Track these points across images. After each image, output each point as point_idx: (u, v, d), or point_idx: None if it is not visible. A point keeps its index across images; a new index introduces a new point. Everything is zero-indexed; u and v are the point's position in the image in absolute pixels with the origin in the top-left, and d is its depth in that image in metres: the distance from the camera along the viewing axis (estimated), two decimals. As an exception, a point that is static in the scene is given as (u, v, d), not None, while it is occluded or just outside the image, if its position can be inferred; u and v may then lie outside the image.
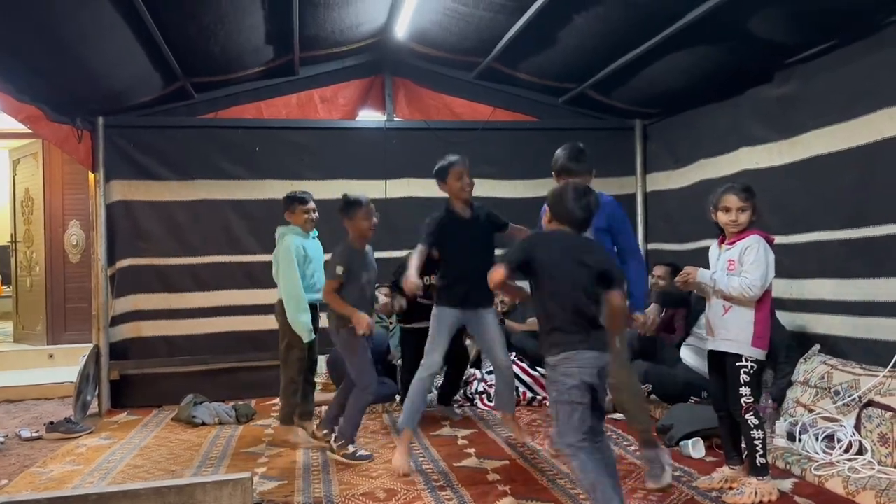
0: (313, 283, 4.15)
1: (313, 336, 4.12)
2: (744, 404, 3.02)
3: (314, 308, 4.21)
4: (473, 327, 3.90)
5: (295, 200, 4.17)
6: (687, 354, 4.39)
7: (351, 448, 3.76)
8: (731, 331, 3.07)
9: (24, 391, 5.99)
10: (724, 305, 3.09)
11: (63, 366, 6.67)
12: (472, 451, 3.90)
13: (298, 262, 4.05)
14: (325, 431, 3.99)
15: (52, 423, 4.62)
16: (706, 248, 3.37)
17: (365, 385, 3.80)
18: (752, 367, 3.03)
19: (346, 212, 3.84)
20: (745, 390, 3.02)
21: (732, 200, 3.08)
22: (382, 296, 5.00)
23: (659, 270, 5.13)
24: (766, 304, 3.07)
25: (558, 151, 3.42)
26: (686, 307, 5.06)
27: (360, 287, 3.83)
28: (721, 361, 3.13)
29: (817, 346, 3.94)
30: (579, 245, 2.63)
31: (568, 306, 2.55)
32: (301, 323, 4.03)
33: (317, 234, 4.33)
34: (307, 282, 4.10)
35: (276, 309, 4.17)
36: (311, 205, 4.20)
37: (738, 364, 3.04)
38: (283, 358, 4.15)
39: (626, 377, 3.30)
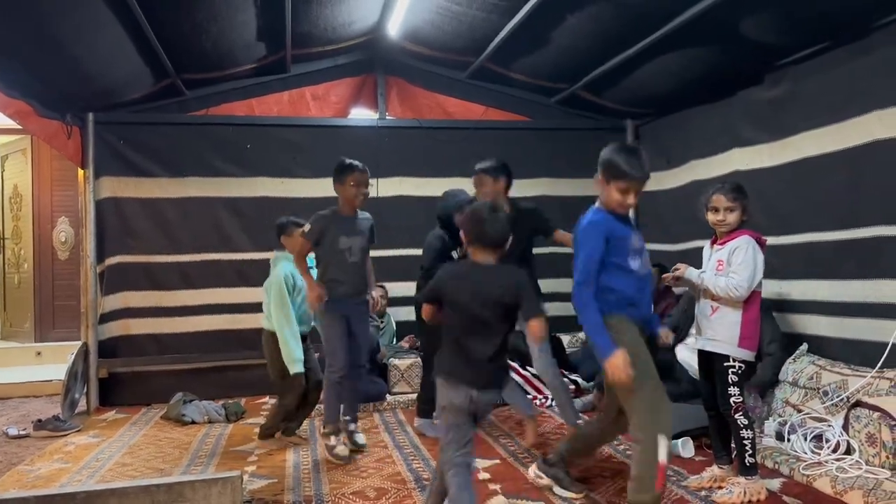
0: (302, 314, 3.99)
1: (301, 369, 3.91)
2: (733, 404, 3.03)
3: (304, 339, 4.05)
4: None
5: (292, 224, 3.98)
6: (687, 356, 4.35)
7: (332, 440, 3.75)
8: (717, 331, 3.08)
9: (11, 389, 5.95)
10: (711, 305, 3.10)
11: (51, 363, 6.63)
12: (462, 450, 3.89)
13: (289, 292, 3.90)
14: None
15: (39, 420, 4.59)
16: (698, 249, 3.38)
17: (331, 366, 3.71)
18: (739, 367, 3.04)
19: (337, 176, 3.73)
20: (733, 390, 3.03)
21: (721, 200, 3.10)
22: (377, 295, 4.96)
23: None
24: (754, 305, 3.07)
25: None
26: (673, 298, 5.07)
27: (336, 252, 3.68)
28: (710, 361, 3.14)
29: (805, 346, 3.96)
30: (486, 280, 2.50)
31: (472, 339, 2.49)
32: (293, 360, 3.88)
33: (313, 262, 4.07)
34: (296, 312, 3.95)
35: (263, 339, 4.02)
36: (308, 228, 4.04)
37: (725, 364, 3.05)
38: (279, 386, 4.03)
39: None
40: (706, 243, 3.28)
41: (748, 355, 3.05)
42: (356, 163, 3.74)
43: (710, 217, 3.14)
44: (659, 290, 5.10)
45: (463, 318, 2.49)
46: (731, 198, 3.08)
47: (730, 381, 3.03)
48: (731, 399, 3.03)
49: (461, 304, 2.48)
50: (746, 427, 3.02)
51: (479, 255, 2.54)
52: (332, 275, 3.73)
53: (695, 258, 3.38)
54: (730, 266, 3.05)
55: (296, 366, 3.89)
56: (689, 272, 3.15)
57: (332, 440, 3.76)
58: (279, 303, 3.90)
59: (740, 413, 3.03)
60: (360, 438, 3.93)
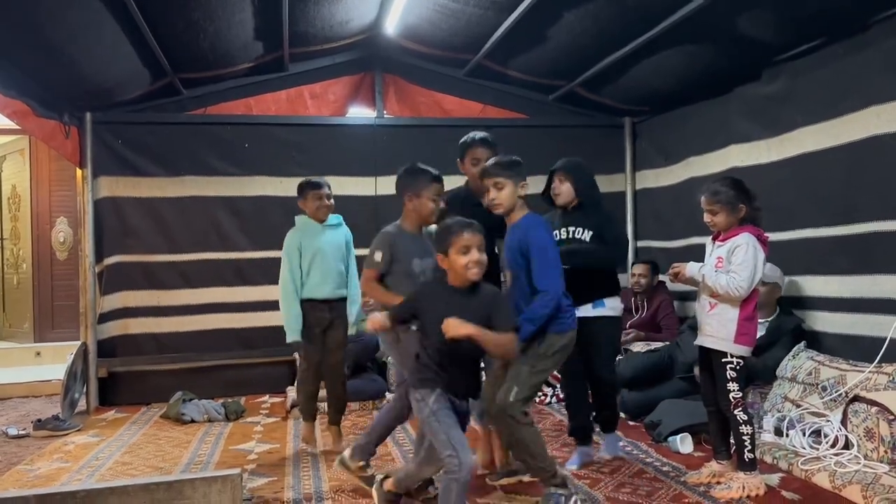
0: (323, 276, 3.83)
1: (296, 338, 3.80)
2: (732, 400, 3.04)
3: (322, 303, 3.85)
4: None
5: (306, 187, 3.92)
6: None
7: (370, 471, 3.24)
8: (715, 327, 3.09)
9: (10, 389, 5.95)
10: (710, 302, 3.11)
11: (50, 363, 6.64)
12: (462, 447, 3.89)
13: (290, 257, 3.83)
14: (360, 462, 3.24)
15: (39, 420, 4.59)
16: (695, 246, 3.40)
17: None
18: (737, 363, 3.05)
19: (410, 183, 3.16)
20: (732, 386, 3.04)
21: (703, 203, 3.12)
22: None
23: (638, 268, 5.17)
24: (751, 302, 3.07)
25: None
26: (666, 294, 5.05)
27: (407, 275, 3.08)
28: (708, 357, 3.15)
29: (803, 343, 3.96)
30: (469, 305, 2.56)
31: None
32: (286, 326, 3.82)
33: (340, 220, 4.03)
34: (310, 275, 3.82)
35: None
36: (325, 190, 3.89)
37: (723, 360, 3.06)
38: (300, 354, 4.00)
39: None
40: (708, 239, 3.29)
41: (745, 351, 3.06)
42: (435, 171, 3.18)
43: (705, 218, 3.16)
44: (652, 286, 5.11)
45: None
46: (709, 201, 3.09)
47: (728, 377, 3.04)
48: (731, 395, 3.04)
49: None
50: (746, 423, 3.03)
51: None
52: None
53: (692, 255, 3.38)
54: (729, 264, 3.05)
55: (288, 333, 3.78)
56: (690, 268, 3.15)
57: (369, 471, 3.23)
58: (282, 265, 3.84)
59: (739, 409, 3.03)
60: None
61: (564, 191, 3.55)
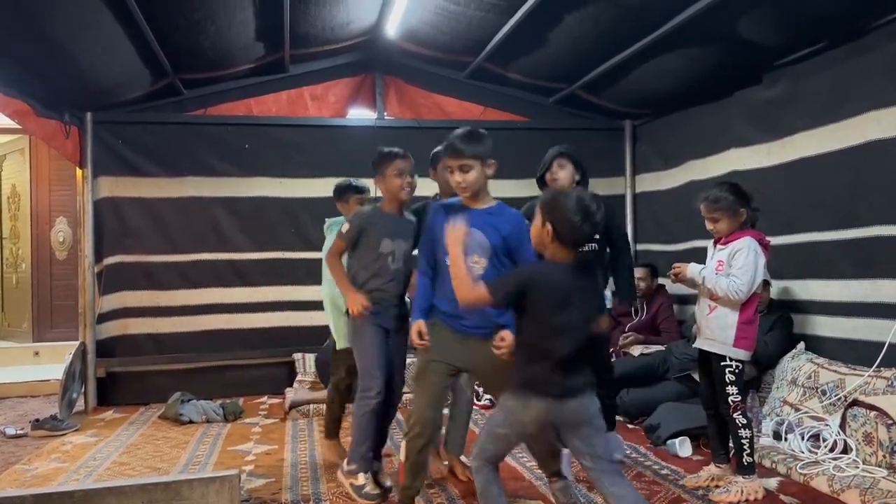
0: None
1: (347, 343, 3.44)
2: (731, 403, 3.04)
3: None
4: None
5: (349, 189, 3.70)
6: None
7: (360, 478, 3.06)
8: (714, 331, 3.09)
9: (9, 388, 5.94)
10: (709, 305, 3.11)
11: (49, 363, 6.62)
12: (460, 449, 3.89)
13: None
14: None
15: (37, 420, 4.58)
16: (695, 249, 3.40)
17: (366, 388, 3.06)
18: (736, 366, 3.05)
19: (376, 168, 3.19)
20: (731, 389, 3.04)
21: (703, 211, 3.13)
22: None
23: (638, 272, 5.15)
24: (751, 306, 3.08)
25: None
26: (666, 297, 5.05)
27: (376, 256, 3.09)
28: (708, 361, 3.15)
29: (802, 345, 3.96)
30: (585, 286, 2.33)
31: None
32: (343, 333, 3.48)
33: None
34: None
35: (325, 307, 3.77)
36: (368, 195, 3.74)
37: (722, 364, 3.06)
38: (332, 360, 3.75)
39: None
40: (709, 242, 3.29)
41: (744, 355, 3.06)
42: (395, 149, 3.19)
43: (707, 225, 3.17)
44: (651, 290, 5.11)
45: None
46: (709, 209, 3.11)
47: (727, 380, 3.04)
48: (730, 398, 3.04)
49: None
50: (745, 426, 3.03)
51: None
52: (370, 284, 3.10)
53: (693, 259, 3.38)
54: (730, 267, 3.05)
55: (340, 341, 3.55)
56: (691, 269, 3.15)
57: (361, 478, 3.06)
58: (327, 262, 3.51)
59: (739, 412, 3.03)
60: (387, 480, 3.21)
61: (563, 176, 3.41)
